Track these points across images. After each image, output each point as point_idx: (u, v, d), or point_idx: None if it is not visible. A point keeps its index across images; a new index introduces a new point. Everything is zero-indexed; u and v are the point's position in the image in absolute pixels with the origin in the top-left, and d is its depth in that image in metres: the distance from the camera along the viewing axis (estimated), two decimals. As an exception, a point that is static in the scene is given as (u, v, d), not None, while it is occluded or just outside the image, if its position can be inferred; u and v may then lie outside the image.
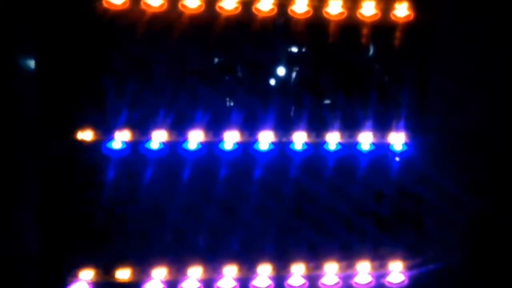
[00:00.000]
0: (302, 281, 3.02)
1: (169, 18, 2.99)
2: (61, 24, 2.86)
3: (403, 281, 3.12)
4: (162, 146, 2.96)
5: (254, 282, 2.98)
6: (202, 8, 2.98)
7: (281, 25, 3.10)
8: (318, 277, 3.05)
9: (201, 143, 2.98)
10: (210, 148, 3.00)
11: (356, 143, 3.12)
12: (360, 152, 3.13)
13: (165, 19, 2.99)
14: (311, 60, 3.21)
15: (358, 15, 3.11)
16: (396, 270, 3.14)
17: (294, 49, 3.21)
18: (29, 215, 2.84)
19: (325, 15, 3.08)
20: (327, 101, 3.21)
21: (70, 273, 2.89)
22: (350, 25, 3.13)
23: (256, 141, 3.03)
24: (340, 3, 3.06)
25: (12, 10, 2.76)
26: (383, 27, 3.15)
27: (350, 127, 3.13)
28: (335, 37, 3.13)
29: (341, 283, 3.07)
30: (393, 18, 3.14)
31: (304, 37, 3.13)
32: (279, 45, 3.19)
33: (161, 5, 2.96)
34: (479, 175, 3.16)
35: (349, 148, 3.12)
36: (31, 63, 2.84)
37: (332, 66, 3.20)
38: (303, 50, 3.22)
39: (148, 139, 2.96)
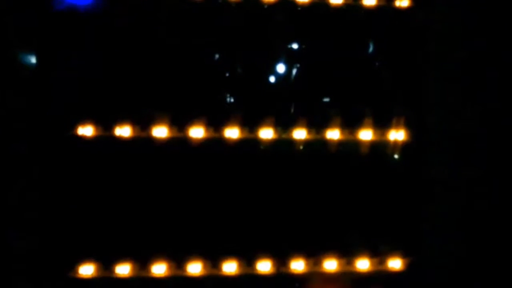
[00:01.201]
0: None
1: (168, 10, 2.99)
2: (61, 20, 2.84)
3: (400, 278, 3.15)
4: (160, 141, 2.95)
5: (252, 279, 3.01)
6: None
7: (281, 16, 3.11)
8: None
9: (200, 139, 2.98)
10: (209, 143, 3.00)
11: (356, 140, 3.12)
12: (359, 149, 3.13)
13: (165, 10, 2.98)
14: (310, 55, 3.21)
15: (357, 9, 3.11)
16: (394, 267, 3.15)
17: (293, 43, 3.21)
18: (28, 211, 2.83)
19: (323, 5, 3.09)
20: (326, 97, 3.22)
21: (70, 269, 2.90)
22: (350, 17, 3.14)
23: (256, 137, 3.03)
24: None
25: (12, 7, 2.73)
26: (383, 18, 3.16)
27: (350, 124, 3.13)
28: (333, 29, 3.14)
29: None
30: (392, 10, 3.15)
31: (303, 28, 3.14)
32: (279, 38, 3.18)
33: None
34: (479, 172, 3.18)
35: (348, 145, 3.12)
36: (32, 59, 2.81)
37: (331, 61, 3.21)
38: (302, 44, 3.21)
39: (148, 135, 2.95)
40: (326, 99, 3.22)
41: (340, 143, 3.11)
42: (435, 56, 3.17)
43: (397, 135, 3.16)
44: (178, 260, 2.97)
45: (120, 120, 2.93)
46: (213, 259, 2.99)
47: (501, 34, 3.20)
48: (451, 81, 3.18)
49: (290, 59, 3.18)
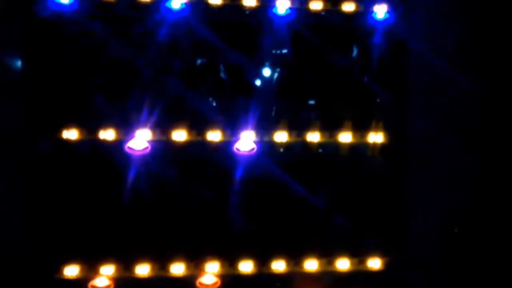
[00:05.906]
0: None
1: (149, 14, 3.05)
2: (47, 22, 2.90)
3: (380, 277, 3.21)
4: (146, 144, 3.00)
5: (234, 279, 3.06)
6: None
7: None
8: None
9: (184, 142, 3.03)
10: (193, 147, 3.06)
11: (337, 142, 3.18)
12: (340, 150, 3.20)
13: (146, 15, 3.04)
14: (292, 60, 3.27)
15: (337, 16, 3.18)
16: (375, 266, 3.20)
17: (274, 48, 3.27)
18: (14, 214, 2.89)
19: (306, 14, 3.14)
20: (308, 101, 3.28)
21: (56, 270, 2.96)
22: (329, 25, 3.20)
23: (238, 140, 3.08)
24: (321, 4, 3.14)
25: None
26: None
27: (330, 126, 3.19)
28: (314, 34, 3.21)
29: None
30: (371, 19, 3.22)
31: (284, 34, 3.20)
32: (260, 43, 3.24)
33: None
34: (459, 173, 3.25)
35: (329, 147, 3.19)
36: (18, 63, 2.87)
37: (312, 65, 3.27)
38: (283, 49, 3.27)
39: (132, 138, 3.00)
40: (307, 103, 3.28)
41: (320, 145, 3.17)
42: (415, 60, 3.24)
43: (376, 137, 3.22)
44: (161, 261, 3.02)
45: (104, 124, 2.99)
46: (195, 260, 3.04)
47: (477, 38, 3.27)
48: (432, 84, 3.24)
49: (272, 64, 3.24)
